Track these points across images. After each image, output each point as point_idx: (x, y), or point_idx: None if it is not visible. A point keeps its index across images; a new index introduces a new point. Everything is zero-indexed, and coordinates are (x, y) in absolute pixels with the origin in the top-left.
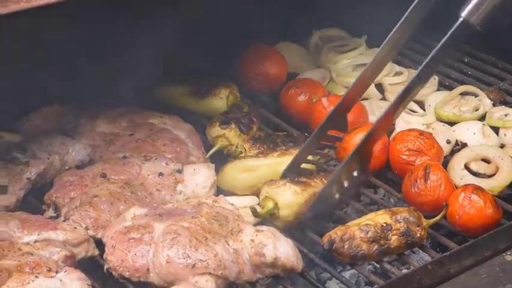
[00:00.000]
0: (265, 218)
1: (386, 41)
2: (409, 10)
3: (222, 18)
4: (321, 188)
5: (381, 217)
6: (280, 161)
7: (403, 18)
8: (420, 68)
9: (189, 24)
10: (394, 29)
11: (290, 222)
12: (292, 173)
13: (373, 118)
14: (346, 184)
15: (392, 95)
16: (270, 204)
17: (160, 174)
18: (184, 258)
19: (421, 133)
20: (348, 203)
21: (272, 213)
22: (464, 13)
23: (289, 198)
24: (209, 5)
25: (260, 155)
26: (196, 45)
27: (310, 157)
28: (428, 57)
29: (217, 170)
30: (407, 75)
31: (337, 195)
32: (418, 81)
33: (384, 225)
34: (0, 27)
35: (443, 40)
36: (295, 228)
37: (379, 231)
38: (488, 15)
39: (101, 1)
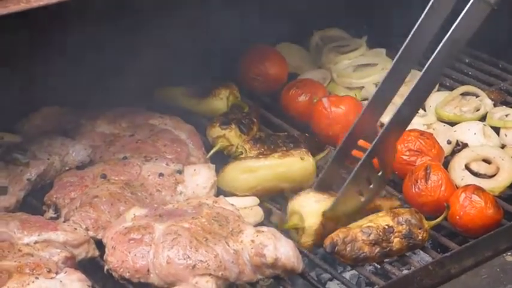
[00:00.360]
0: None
1: (401, 51)
2: (424, 13)
3: (223, 18)
4: (339, 191)
5: (382, 219)
6: (280, 162)
7: (418, 23)
8: (435, 52)
9: (189, 25)
10: (408, 38)
11: (316, 237)
12: (323, 189)
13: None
14: (371, 186)
15: (399, 97)
16: (294, 219)
17: (161, 174)
18: (184, 259)
19: (422, 133)
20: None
21: (297, 227)
22: None
23: (313, 206)
24: (210, 5)
25: (261, 156)
26: (196, 45)
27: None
28: (445, 39)
29: (218, 171)
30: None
31: (362, 198)
32: (437, 62)
33: (386, 227)
34: (0, 28)
35: (458, 18)
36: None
37: (381, 233)
38: None
39: (102, 2)
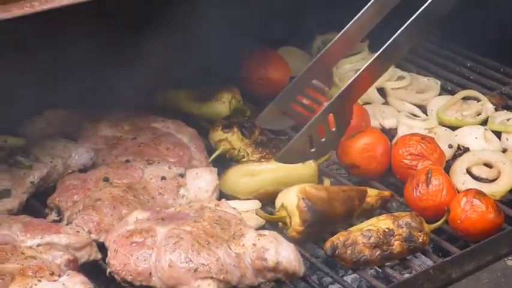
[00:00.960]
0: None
1: None
2: None
3: (225, 22)
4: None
5: (383, 222)
6: (282, 166)
7: None
8: (404, 26)
9: (192, 28)
10: None
11: (302, 216)
12: (270, 120)
13: (375, 122)
14: (323, 139)
15: (394, 99)
16: (283, 212)
17: (163, 178)
18: (186, 262)
19: (423, 138)
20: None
21: (283, 216)
22: None
23: (293, 190)
24: (212, 9)
25: (263, 160)
26: (198, 49)
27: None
28: (413, 17)
29: (220, 174)
30: (410, 79)
31: (312, 149)
32: (404, 37)
33: (386, 230)
34: (3, 32)
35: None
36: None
37: (381, 236)
38: None
39: (104, 7)
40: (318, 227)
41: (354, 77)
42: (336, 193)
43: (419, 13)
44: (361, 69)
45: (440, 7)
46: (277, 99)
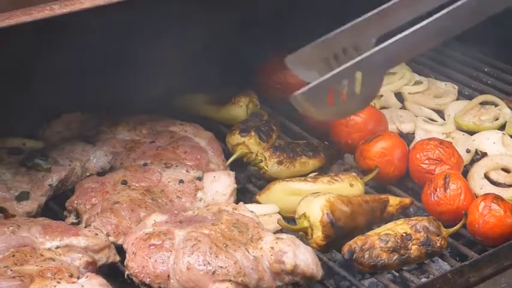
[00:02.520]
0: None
1: None
2: None
3: (243, 26)
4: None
5: (400, 227)
6: (329, 188)
7: None
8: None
9: (209, 33)
10: None
11: (324, 229)
12: (297, 64)
13: (392, 127)
14: (345, 98)
15: (412, 104)
16: (304, 222)
17: (181, 181)
18: (204, 265)
19: (441, 142)
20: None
21: (304, 226)
22: None
23: (313, 201)
24: (230, 13)
25: (309, 180)
26: (216, 53)
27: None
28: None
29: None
30: (427, 84)
31: (331, 106)
32: (441, 22)
33: (404, 235)
34: (24, 35)
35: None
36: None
37: (399, 241)
38: None
39: (123, 9)
40: (339, 239)
41: (393, 39)
42: (359, 205)
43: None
44: (404, 34)
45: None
46: (313, 44)
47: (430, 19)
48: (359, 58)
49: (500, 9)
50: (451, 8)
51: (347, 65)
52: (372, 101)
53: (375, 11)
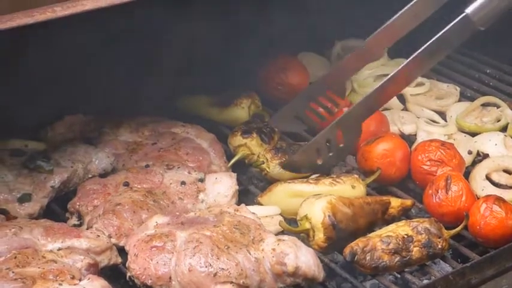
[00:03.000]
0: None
1: None
2: None
3: (245, 28)
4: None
5: (401, 229)
6: (331, 190)
7: None
8: (411, 57)
9: (211, 34)
10: None
11: (326, 232)
12: (282, 122)
13: (394, 128)
14: (331, 154)
15: (414, 105)
16: (306, 224)
17: (183, 183)
18: (206, 266)
19: (443, 144)
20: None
21: (306, 228)
22: (468, 10)
23: (314, 202)
24: (232, 15)
25: (311, 181)
26: (218, 55)
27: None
28: (423, 47)
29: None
30: (429, 86)
31: (319, 162)
32: (408, 71)
33: (405, 236)
34: (26, 37)
35: (441, 32)
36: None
37: (400, 242)
38: (493, 18)
39: (124, 12)
40: (340, 241)
41: (362, 98)
42: (360, 207)
43: (425, 48)
44: (371, 91)
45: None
46: (291, 103)
47: (397, 69)
48: (338, 118)
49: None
50: (415, 55)
51: (325, 130)
52: (352, 149)
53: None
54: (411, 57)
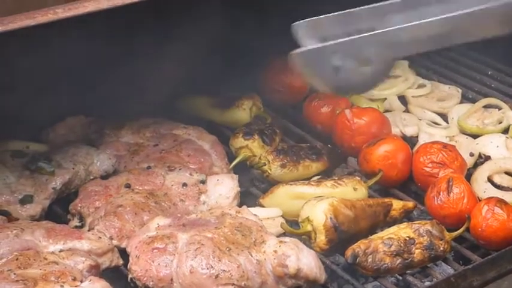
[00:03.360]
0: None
1: None
2: None
3: (246, 29)
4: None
5: (403, 231)
6: (333, 192)
7: None
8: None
9: (212, 36)
10: None
11: (327, 234)
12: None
13: (396, 130)
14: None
15: (415, 107)
16: (308, 226)
17: (184, 184)
18: (207, 268)
19: (445, 146)
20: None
21: (308, 230)
22: None
23: (316, 204)
24: (233, 16)
25: (312, 183)
26: (220, 56)
27: None
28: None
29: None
30: (431, 87)
31: (336, 76)
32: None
33: (407, 239)
34: (27, 39)
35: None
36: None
37: (402, 245)
38: None
39: (126, 14)
40: (342, 243)
41: (421, 21)
42: (362, 209)
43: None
44: (433, 18)
45: None
46: (332, 16)
47: (463, 12)
48: (376, 31)
49: None
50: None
51: (361, 35)
52: (378, 84)
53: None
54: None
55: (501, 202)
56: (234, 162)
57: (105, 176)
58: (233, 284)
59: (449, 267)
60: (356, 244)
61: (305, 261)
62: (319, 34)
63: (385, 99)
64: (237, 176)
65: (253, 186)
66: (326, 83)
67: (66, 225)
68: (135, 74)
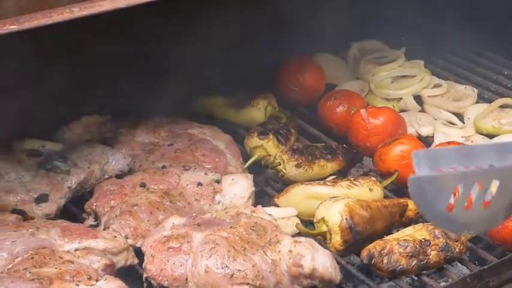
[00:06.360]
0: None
1: None
2: None
3: (261, 29)
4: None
5: (419, 233)
6: (348, 193)
7: None
8: None
9: (228, 36)
10: None
11: (343, 235)
12: None
13: (411, 130)
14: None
15: (431, 107)
16: (323, 227)
17: (199, 184)
18: (222, 268)
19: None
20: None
21: (323, 231)
22: None
23: (331, 205)
24: (248, 17)
25: (328, 183)
26: (235, 56)
27: None
28: None
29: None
30: (447, 87)
31: (454, 210)
32: None
33: (423, 240)
34: (44, 37)
35: None
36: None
37: (418, 246)
38: None
39: (141, 13)
40: (357, 244)
41: None
42: (378, 210)
43: None
44: None
45: None
46: None
47: None
48: (503, 165)
49: None
50: None
51: (484, 168)
52: (496, 225)
53: None
54: None
55: None
56: (249, 162)
57: (120, 175)
58: (248, 284)
59: (465, 267)
60: (371, 245)
61: (320, 261)
62: (437, 165)
63: (401, 98)
64: (252, 175)
65: (268, 186)
66: (439, 217)
67: (82, 224)
68: (151, 73)
